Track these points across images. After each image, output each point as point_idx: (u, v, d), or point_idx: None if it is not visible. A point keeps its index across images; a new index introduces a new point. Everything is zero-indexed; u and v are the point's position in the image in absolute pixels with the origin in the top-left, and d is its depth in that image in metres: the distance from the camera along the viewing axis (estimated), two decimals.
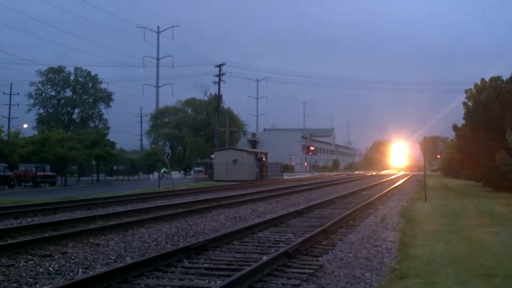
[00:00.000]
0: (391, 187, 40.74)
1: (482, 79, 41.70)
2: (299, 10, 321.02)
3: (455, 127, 46.47)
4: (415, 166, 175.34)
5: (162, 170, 59.26)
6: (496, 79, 40.52)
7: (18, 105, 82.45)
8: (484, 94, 39.18)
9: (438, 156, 70.13)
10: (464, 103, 42.53)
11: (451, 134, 57.60)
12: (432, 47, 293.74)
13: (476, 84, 41.96)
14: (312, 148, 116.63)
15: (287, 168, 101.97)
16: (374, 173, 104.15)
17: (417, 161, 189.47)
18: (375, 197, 28.69)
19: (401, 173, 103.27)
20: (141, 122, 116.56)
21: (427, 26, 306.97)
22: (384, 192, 33.86)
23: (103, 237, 14.12)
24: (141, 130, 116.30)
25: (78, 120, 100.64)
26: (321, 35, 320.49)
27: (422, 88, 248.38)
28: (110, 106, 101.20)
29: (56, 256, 11.38)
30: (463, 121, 43.60)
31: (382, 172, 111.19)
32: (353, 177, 78.45)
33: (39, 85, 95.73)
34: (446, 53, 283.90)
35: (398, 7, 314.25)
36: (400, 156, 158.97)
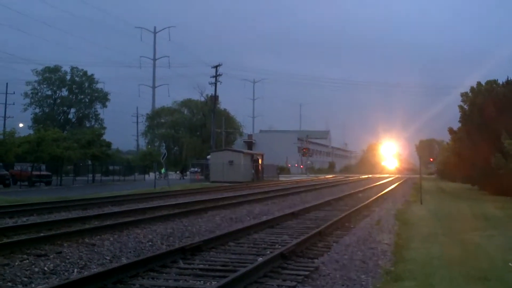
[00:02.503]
0: (387, 190, 40.74)
1: (478, 83, 41.78)
2: (296, 11, 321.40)
3: (451, 130, 46.59)
4: (410, 169, 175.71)
5: (163, 171, 59.25)
6: (492, 83, 40.59)
7: (14, 104, 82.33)
8: (480, 97, 39.26)
9: (431, 160, 70.28)
10: (460, 107, 42.63)
11: (447, 137, 57.74)
12: (429, 50, 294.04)
13: (472, 88, 42.05)
14: (304, 149, 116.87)
15: (283, 170, 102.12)
16: (369, 176, 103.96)
17: (412, 164, 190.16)
18: (371, 199, 28.71)
19: (392, 177, 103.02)
20: (137, 122, 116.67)
21: (424, 29, 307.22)
22: (379, 194, 33.86)
23: (98, 237, 14.10)
24: (137, 130, 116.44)
25: (74, 119, 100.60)
26: (317, 37, 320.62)
27: (420, 90, 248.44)
28: (106, 106, 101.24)
29: (51, 256, 11.36)
30: (459, 124, 43.70)
31: (377, 176, 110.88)
32: (349, 179, 78.41)
33: (35, 84, 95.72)
34: (442, 56, 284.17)
35: (396, 11, 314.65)
36: (393, 159, 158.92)
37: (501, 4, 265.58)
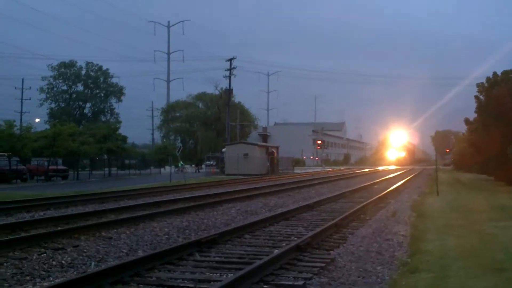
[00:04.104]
0: (402, 181, 40.54)
1: (494, 73, 41.36)
2: (311, 5, 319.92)
3: (466, 121, 46.25)
4: (425, 160, 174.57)
5: (180, 164, 59.44)
6: (508, 73, 40.20)
7: (30, 99, 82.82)
8: (496, 87, 38.92)
9: (447, 151, 69.79)
10: (476, 97, 42.24)
11: (463, 128, 57.35)
12: (439, 42, 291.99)
13: (488, 78, 41.65)
14: (319, 142, 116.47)
15: (298, 162, 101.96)
16: (384, 168, 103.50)
17: (428, 155, 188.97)
18: (387, 191, 28.61)
19: (406, 169, 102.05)
20: (152, 116, 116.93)
21: (434, 21, 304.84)
22: (395, 186, 33.70)
23: (115, 230, 14.19)
24: (152, 124, 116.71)
25: (89, 114, 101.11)
26: (332, 30, 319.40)
27: (435, 82, 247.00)
28: (121, 101, 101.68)
29: (69, 249, 11.46)
30: (475, 115, 43.38)
31: (391, 168, 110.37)
32: (364, 172, 78.14)
33: (51, 79, 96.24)
34: (453, 47, 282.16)
35: (409, 3, 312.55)
36: (407, 151, 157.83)
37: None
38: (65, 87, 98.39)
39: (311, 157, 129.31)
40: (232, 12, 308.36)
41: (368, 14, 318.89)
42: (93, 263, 10.31)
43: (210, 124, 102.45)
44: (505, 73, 40.42)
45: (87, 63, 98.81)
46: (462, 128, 59.09)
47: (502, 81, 39.46)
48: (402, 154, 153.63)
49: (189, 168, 79.95)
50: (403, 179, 45.84)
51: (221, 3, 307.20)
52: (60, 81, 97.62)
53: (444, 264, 9.90)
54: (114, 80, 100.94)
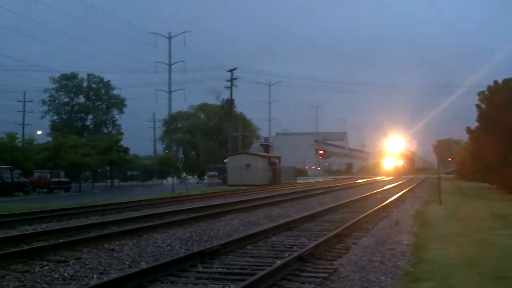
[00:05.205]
0: (404, 191, 40.49)
1: (495, 81, 41.44)
2: (311, 15, 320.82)
3: (468, 130, 46.32)
4: (426, 169, 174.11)
5: (183, 175, 59.53)
6: (509, 81, 40.26)
7: (32, 112, 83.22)
8: (497, 96, 38.97)
9: (450, 160, 69.79)
10: (477, 105, 42.28)
11: (464, 137, 57.41)
12: (436, 49, 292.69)
13: (489, 86, 41.71)
14: (321, 152, 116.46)
15: (300, 172, 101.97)
16: (384, 178, 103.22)
17: (428, 163, 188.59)
18: (389, 200, 28.57)
19: (407, 178, 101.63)
20: (154, 127, 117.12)
21: (433, 28, 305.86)
22: (397, 195, 33.64)
23: (117, 242, 14.18)
24: (154, 135, 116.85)
25: (91, 126, 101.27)
26: (332, 40, 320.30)
27: (439, 91, 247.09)
28: (123, 112, 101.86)
29: (71, 262, 11.45)
30: (477, 124, 43.41)
31: (392, 177, 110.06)
32: (366, 181, 78.07)
33: (53, 91, 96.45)
34: (452, 54, 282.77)
35: (421, 12, 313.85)
36: (408, 160, 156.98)
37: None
38: (66, 99, 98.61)
39: (313, 167, 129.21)
40: (233, 22, 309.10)
41: (367, 22, 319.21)
42: (95, 276, 10.30)
43: (212, 134, 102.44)
44: (506, 81, 40.48)
45: (89, 75, 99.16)
46: (464, 136, 59.20)
47: (503, 89, 39.52)
48: (401, 163, 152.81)
49: (192, 179, 79.98)
50: (405, 188, 45.75)
51: (222, 13, 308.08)
52: (62, 93, 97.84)
53: (447, 273, 9.88)
54: (115, 91, 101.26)
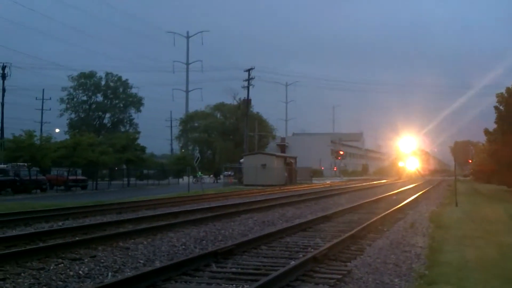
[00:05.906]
0: (420, 193, 40.27)
1: None
2: (328, 15, 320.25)
3: (486, 131, 45.95)
4: (443, 170, 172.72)
5: (198, 174, 59.68)
6: None
7: (50, 110, 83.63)
8: None
9: (470, 161, 69.10)
10: (496, 107, 41.96)
11: (483, 139, 56.95)
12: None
13: (507, 88, 41.35)
14: (341, 152, 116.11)
15: (316, 173, 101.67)
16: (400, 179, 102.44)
17: (446, 165, 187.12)
18: (405, 202, 28.41)
19: (424, 179, 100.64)
20: (171, 126, 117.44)
21: (447, 31, 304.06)
22: (414, 197, 33.44)
23: (132, 241, 14.23)
24: (171, 134, 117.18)
25: (109, 124, 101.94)
26: (349, 40, 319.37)
27: (456, 91, 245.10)
28: (140, 111, 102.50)
29: (86, 260, 11.51)
30: (495, 125, 43.06)
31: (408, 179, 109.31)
32: (382, 182, 77.74)
33: (71, 90, 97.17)
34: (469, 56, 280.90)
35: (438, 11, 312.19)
36: (424, 161, 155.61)
37: None
38: (84, 98, 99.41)
39: (329, 167, 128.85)
40: (250, 22, 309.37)
41: (384, 22, 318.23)
42: (110, 274, 10.35)
43: (228, 134, 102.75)
44: None
45: (107, 74, 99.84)
46: (482, 138, 58.71)
47: None
48: (418, 165, 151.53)
49: (207, 179, 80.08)
50: (421, 190, 45.50)
51: (240, 13, 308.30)
52: (80, 91, 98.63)
53: (462, 276, 9.82)
54: (133, 90, 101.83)
